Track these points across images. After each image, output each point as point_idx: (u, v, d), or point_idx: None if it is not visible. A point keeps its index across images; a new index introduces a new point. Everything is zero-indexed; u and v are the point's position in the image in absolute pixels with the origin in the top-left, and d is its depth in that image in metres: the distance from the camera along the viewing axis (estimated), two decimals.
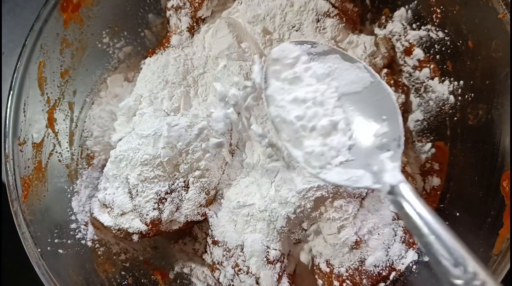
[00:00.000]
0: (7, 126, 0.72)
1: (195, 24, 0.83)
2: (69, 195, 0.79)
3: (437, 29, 0.80)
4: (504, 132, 0.70)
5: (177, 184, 0.75)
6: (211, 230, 0.78)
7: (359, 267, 0.73)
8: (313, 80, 0.69)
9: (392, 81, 0.84)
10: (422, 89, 0.85)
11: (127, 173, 0.74)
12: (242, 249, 0.75)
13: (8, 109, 0.72)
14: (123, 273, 0.79)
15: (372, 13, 0.89)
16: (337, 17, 0.81)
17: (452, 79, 0.80)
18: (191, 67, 0.80)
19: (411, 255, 0.76)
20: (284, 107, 0.68)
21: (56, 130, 0.79)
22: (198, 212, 0.77)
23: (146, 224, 0.75)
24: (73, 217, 0.78)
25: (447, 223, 0.75)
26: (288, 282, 0.75)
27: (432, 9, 0.79)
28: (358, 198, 0.73)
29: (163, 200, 0.74)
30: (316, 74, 0.69)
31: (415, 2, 0.82)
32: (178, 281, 0.83)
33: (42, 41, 0.75)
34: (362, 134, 0.65)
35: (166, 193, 0.74)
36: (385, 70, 0.84)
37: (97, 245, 0.78)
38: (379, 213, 0.75)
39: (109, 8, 0.83)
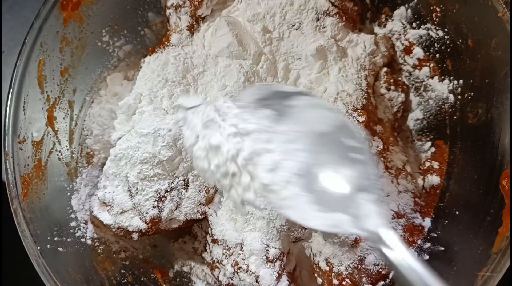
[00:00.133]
0: (7, 124, 0.72)
1: (195, 22, 0.83)
2: (68, 194, 0.79)
3: (437, 28, 0.80)
4: (503, 131, 0.70)
5: (177, 183, 0.75)
6: (211, 229, 0.78)
7: (359, 265, 0.73)
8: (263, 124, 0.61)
9: (392, 80, 0.84)
10: (422, 88, 0.85)
11: (127, 171, 0.74)
12: (242, 247, 0.75)
13: (8, 108, 0.72)
14: (122, 271, 0.79)
15: (372, 12, 0.89)
16: (337, 16, 0.80)
17: (451, 78, 0.80)
18: (191, 66, 0.80)
19: None
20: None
21: (56, 129, 0.79)
22: (197, 211, 0.77)
23: (145, 223, 0.75)
24: (72, 215, 0.78)
25: (446, 222, 0.76)
26: (287, 280, 0.75)
27: (432, 8, 0.79)
28: None
29: (162, 199, 0.74)
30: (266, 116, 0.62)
31: (415, 1, 0.82)
32: (178, 280, 0.83)
33: (41, 39, 0.75)
34: (333, 178, 0.59)
35: (166, 191, 0.74)
36: (385, 69, 0.84)
37: (97, 243, 0.78)
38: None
39: (109, 7, 0.83)
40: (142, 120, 0.77)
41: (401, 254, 0.51)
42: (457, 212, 0.76)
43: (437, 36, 0.80)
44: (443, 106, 0.82)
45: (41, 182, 0.75)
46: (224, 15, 0.83)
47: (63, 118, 0.80)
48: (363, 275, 0.73)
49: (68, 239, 0.75)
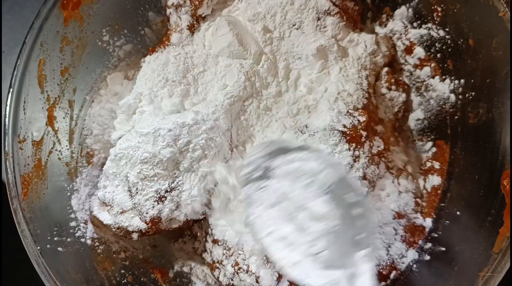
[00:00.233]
0: (7, 124, 0.72)
1: (195, 22, 0.83)
2: (68, 193, 0.79)
3: (438, 27, 0.80)
4: (504, 131, 0.70)
5: (177, 183, 0.75)
6: (211, 229, 0.78)
7: None
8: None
9: (392, 80, 0.84)
10: (423, 88, 0.85)
11: (127, 171, 0.74)
12: (242, 248, 0.75)
13: (8, 107, 0.72)
14: (122, 271, 0.79)
15: (372, 12, 0.89)
16: (338, 15, 0.80)
17: (452, 77, 0.80)
18: (191, 65, 0.80)
19: (412, 254, 0.76)
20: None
21: (56, 128, 0.79)
22: (198, 211, 0.77)
23: (145, 223, 0.74)
24: (72, 215, 0.77)
25: (447, 222, 0.76)
26: (288, 281, 0.75)
27: (432, 7, 0.79)
28: None
29: (163, 199, 0.74)
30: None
31: (416, 0, 0.82)
32: (178, 280, 0.83)
33: (42, 39, 0.75)
34: (335, 242, 0.64)
35: (166, 191, 0.74)
36: (385, 69, 0.84)
37: (97, 243, 0.78)
38: (379, 212, 0.75)
39: (110, 6, 0.83)
40: (142, 120, 0.77)
41: None
42: (458, 212, 0.75)
43: (438, 36, 0.80)
44: (444, 106, 0.82)
45: (41, 181, 0.75)
46: (224, 15, 0.83)
47: (63, 118, 0.80)
48: None
49: (68, 239, 0.75)
